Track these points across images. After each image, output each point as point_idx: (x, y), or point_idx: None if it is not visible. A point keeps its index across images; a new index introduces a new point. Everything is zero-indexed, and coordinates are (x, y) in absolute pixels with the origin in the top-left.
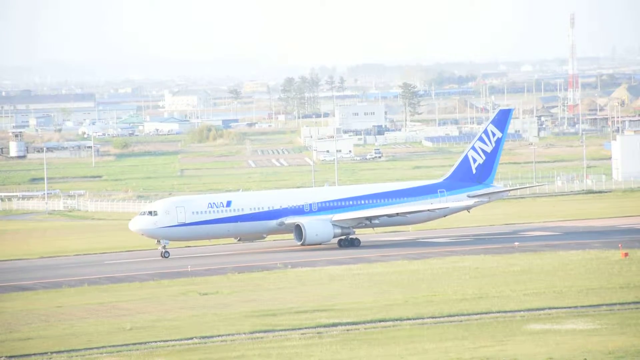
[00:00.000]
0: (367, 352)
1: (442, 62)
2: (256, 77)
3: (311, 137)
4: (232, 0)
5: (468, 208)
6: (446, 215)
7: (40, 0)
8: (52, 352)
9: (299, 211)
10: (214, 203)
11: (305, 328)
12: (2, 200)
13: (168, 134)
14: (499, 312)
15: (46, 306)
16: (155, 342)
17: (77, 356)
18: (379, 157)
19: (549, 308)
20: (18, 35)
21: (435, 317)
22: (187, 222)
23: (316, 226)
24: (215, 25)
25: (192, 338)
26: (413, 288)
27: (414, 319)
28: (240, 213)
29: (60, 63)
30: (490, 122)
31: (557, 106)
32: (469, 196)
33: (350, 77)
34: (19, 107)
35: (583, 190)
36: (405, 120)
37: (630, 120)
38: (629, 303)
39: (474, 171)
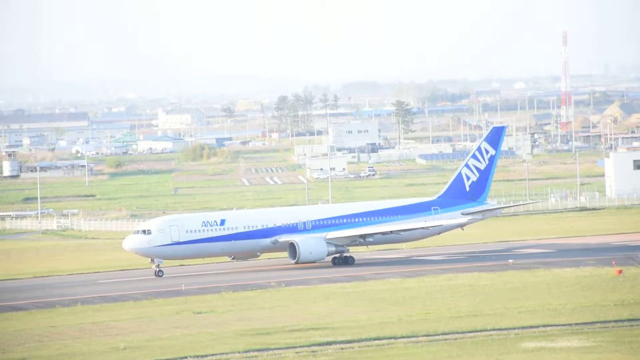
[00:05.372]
0: None
1: (436, 79)
2: (250, 95)
3: (305, 155)
4: (225, 18)
5: (462, 225)
6: (440, 233)
7: (33, 20)
8: None
9: (292, 229)
10: (207, 222)
11: (300, 347)
12: None
13: (162, 153)
14: (493, 329)
15: (40, 326)
16: None
17: None
18: (373, 174)
19: (544, 325)
20: (11, 55)
21: (430, 335)
22: (181, 240)
23: (310, 244)
24: (208, 44)
25: (186, 357)
26: (407, 306)
27: (408, 337)
28: (234, 231)
29: (54, 82)
30: (484, 140)
31: (550, 123)
32: (462, 214)
33: (343, 95)
34: (12, 127)
35: (577, 207)
36: (399, 138)
37: (623, 138)
38: (624, 320)
39: (468, 189)
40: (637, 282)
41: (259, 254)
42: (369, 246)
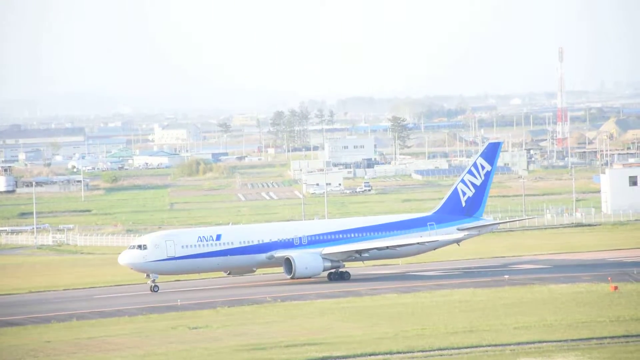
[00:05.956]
0: None
1: (432, 95)
2: (246, 110)
3: (301, 170)
4: (222, 34)
5: (458, 241)
6: (436, 249)
7: (28, 35)
8: None
9: (288, 245)
10: (203, 237)
11: None
12: None
13: (157, 168)
14: (489, 345)
15: (35, 341)
16: None
17: None
18: (369, 190)
19: (539, 342)
20: (7, 70)
21: (426, 351)
22: (177, 255)
23: (306, 259)
24: (205, 59)
25: None
26: (403, 321)
27: (404, 352)
28: (230, 247)
29: (50, 97)
30: (480, 155)
31: (546, 139)
32: (458, 229)
33: (339, 111)
34: (8, 142)
35: (572, 223)
36: (395, 154)
37: (619, 154)
38: (619, 337)
39: (464, 204)
40: (633, 298)
41: (254, 269)
42: (364, 261)
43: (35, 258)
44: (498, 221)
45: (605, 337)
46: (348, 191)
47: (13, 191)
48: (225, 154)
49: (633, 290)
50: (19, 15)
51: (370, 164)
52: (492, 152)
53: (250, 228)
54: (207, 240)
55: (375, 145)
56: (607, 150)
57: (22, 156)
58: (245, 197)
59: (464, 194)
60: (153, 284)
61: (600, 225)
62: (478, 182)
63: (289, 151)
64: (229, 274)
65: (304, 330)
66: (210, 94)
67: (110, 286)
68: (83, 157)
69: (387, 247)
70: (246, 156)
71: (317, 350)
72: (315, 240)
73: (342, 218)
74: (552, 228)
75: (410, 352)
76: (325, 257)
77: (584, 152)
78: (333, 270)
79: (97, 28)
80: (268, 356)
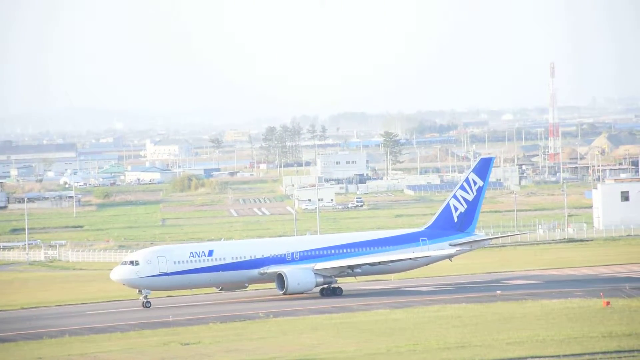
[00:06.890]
0: None
1: (424, 110)
2: (238, 126)
3: (293, 186)
4: (213, 49)
5: (450, 257)
6: (428, 264)
7: (20, 51)
8: None
9: (280, 260)
10: (195, 252)
11: None
12: None
13: (149, 184)
14: None
15: (27, 357)
16: None
17: None
18: (361, 205)
19: (532, 357)
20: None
21: None
22: (169, 271)
23: (298, 275)
24: (196, 75)
25: None
26: (395, 337)
27: None
28: (222, 262)
29: (42, 113)
30: (472, 171)
31: (538, 155)
32: (450, 245)
33: (331, 126)
34: (0, 158)
35: (564, 238)
36: (387, 169)
37: (611, 169)
38: (611, 352)
39: (456, 219)
40: (625, 313)
41: (246, 285)
42: (357, 277)
43: (27, 274)
44: (490, 236)
45: (598, 353)
46: (340, 207)
47: (5, 207)
48: (217, 169)
49: (625, 305)
50: (11, 31)
51: (362, 179)
52: (484, 167)
53: (243, 244)
54: (199, 256)
55: (367, 161)
56: (599, 166)
57: (14, 172)
58: (237, 213)
59: (456, 209)
60: (145, 300)
61: (592, 240)
62: (470, 197)
63: (281, 167)
64: (221, 289)
65: (297, 346)
66: (202, 109)
67: (102, 302)
68: (75, 173)
69: (380, 263)
70: (238, 172)
71: None
72: (307, 256)
73: (335, 233)
74: (544, 243)
75: None
76: (317, 273)
77: (576, 167)
78: (325, 286)
79: (89, 44)
80: None
